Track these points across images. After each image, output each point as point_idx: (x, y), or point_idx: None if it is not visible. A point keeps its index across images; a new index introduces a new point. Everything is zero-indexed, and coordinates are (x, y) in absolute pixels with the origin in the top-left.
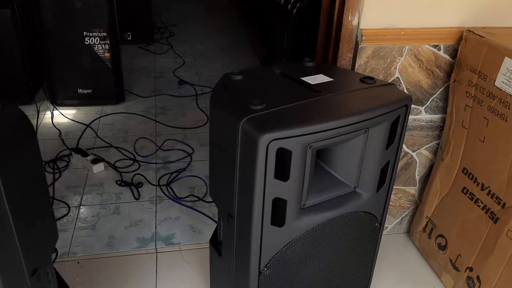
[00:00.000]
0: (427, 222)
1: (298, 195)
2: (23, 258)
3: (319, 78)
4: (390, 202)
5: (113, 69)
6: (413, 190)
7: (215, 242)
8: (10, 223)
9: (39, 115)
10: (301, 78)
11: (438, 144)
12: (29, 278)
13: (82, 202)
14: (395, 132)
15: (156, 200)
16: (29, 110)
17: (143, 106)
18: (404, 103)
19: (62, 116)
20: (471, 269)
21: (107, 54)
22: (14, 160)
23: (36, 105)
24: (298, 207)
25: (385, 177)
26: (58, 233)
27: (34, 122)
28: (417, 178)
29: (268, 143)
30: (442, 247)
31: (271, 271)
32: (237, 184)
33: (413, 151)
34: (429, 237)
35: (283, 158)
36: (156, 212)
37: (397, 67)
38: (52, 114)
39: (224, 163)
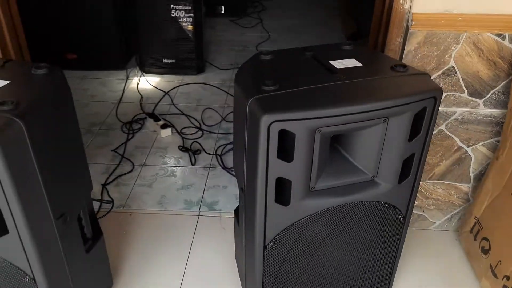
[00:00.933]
0: (475, 223)
1: (305, 177)
2: (49, 204)
3: (349, 63)
4: (439, 198)
5: (195, 41)
6: (466, 187)
7: (237, 212)
8: (36, 172)
9: (127, 80)
10: (329, 62)
11: (498, 141)
12: (55, 221)
13: (146, 162)
14: (421, 125)
15: (209, 167)
16: (119, 75)
17: (219, 78)
18: (432, 95)
19: (147, 82)
20: (508, 278)
21: (190, 27)
22: (48, 116)
23: (126, 71)
24: (307, 189)
25: (409, 170)
26: (115, 188)
27: (122, 85)
28: (472, 175)
29: (269, 124)
30: (485, 251)
31: (276, 247)
32: (245, 160)
33: (468, 146)
34: (475, 239)
35: (287, 139)
36: (207, 179)
37: (452, 55)
38: (138, 80)
39: (239, 139)
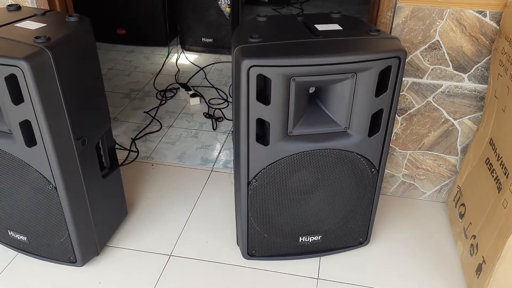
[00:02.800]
0: (457, 191)
1: (282, 121)
2: (69, 124)
3: (331, 27)
4: (428, 168)
5: (231, 23)
6: (454, 160)
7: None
8: (60, 95)
9: (168, 56)
10: (315, 25)
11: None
12: (74, 141)
13: (173, 124)
14: (387, 82)
15: (228, 133)
16: (162, 51)
17: None
18: (396, 55)
19: (186, 59)
20: (474, 237)
21: (228, 9)
22: (73, 52)
23: (169, 48)
24: (285, 133)
25: (379, 125)
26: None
27: (162, 60)
28: (459, 148)
29: (248, 68)
30: (461, 216)
31: (258, 184)
32: (233, 104)
33: (455, 119)
34: (455, 206)
35: (266, 86)
36: (224, 142)
37: (437, 30)
38: (178, 56)
39: (232, 88)
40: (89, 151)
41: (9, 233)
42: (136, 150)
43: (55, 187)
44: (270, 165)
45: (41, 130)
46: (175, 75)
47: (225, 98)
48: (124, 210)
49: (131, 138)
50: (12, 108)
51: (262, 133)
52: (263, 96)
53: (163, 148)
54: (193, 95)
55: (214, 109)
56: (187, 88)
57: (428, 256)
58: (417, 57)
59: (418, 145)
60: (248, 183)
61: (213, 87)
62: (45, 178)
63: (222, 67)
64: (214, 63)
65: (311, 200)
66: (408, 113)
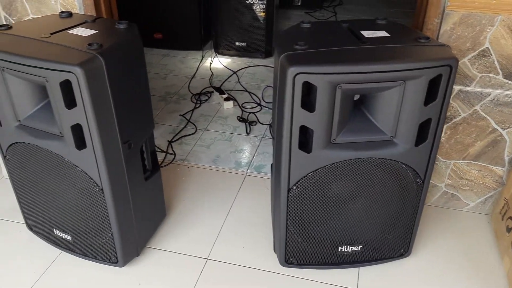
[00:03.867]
0: (504, 204)
1: (326, 128)
2: (118, 129)
3: (378, 33)
4: (473, 179)
5: (265, 27)
6: (500, 171)
7: (272, 164)
8: (110, 100)
9: (202, 60)
10: (360, 32)
11: None
12: (121, 145)
13: (207, 128)
14: (437, 91)
15: (262, 137)
16: (196, 55)
17: None
18: (447, 63)
19: (219, 62)
20: None
21: (262, 14)
22: (123, 59)
23: (203, 52)
24: (328, 140)
25: (426, 134)
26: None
27: (197, 64)
28: (506, 159)
29: (294, 75)
30: (509, 229)
31: (299, 191)
32: (276, 110)
33: (503, 129)
34: (502, 219)
35: (312, 93)
36: (258, 146)
37: (487, 37)
38: (212, 60)
39: (275, 94)
40: (134, 154)
41: (55, 232)
42: (173, 152)
43: (102, 189)
44: (311, 172)
45: (91, 133)
46: (209, 78)
47: (258, 102)
48: (163, 212)
49: (168, 141)
50: (64, 112)
51: (305, 140)
52: (308, 103)
53: (198, 151)
54: (227, 99)
55: (247, 113)
56: (221, 91)
57: (472, 270)
58: (465, 65)
59: (462, 155)
60: (288, 190)
61: (246, 90)
62: (92, 180)
63: (255, 71)
64: (247, 67)
65: (352, 209)
66: (453, 121)
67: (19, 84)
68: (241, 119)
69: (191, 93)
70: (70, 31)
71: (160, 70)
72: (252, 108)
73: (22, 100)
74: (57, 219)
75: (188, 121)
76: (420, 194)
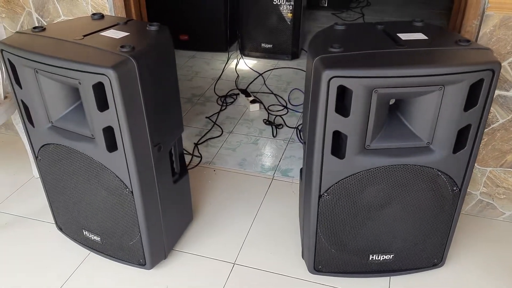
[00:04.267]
0: None
1: (360, 134)
2: (148, 132)
3: (415, 36)
4: (510, 187)
5: (292, 28)
6: None
7: (302, 170)
8: (141, 103)
9: (228, 61)
10: (397, 34)
11: None
12: (152, 148)
13: (233, 130)
14: (478, 96)
15: (288, 140)
16: (222, 57)
17: None
18: (490, 67)
19: (245, 64)
20: None
21: (289, 15)
22: (155, 61)
23: (228, 54)
24: (362, 146)
25: (465, 141)
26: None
27: (222, 65)
28: None
29: (329, 79)
30: None
31: (330, 197)
32: (309, 114)
33: None
34: None
35: (346, 97)
36: (284, 150)
37: None
38: (237, 62)
39: (306, 97)
40: (164, 157)
41: (84, 232)
42: (199, 155)
43: (131, 191)
44: (344, 179)
45: (123, 136)
46: (235, 80)
47: (285, 104)
48: (190, 215)
49: (194, 143)
50: (97, 114)
51: (338, 146)
52: (342, 107)
53: (224, 154)
54: (252, 101)
55: (274, 116)
56: (246, 94)
57: (508, 281)
58: (505, 69)
59: (499, 162)
60: (319, 197)
61: (272, 93)
62: (123, 182)
63: (280, 73)
64: (272, 69)
65: (384, 217)
66: (491, 127)
67: (52, 86)
68: (267, 122)
69: (217, 95)
70: (103, 33)
71: (186, 72)
72: (279, 111)
73: (55, 101)
74: (86, 220)
75: (214, 123)
76: (456, 202)
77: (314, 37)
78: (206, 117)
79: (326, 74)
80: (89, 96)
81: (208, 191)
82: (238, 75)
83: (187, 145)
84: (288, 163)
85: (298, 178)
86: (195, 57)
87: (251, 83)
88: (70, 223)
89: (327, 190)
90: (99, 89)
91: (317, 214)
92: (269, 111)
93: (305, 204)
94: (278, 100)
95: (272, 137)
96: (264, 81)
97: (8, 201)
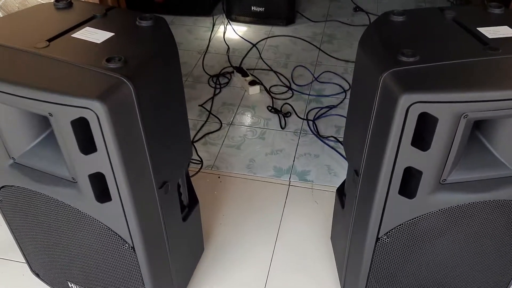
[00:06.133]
0: None
1: (438, 168)
2: (152, 172)
3: (502, 31)
4: None
5: None
6: None
7: (341, 192)
8: (142, 138)
9: (214, 29)
10: (477, 28)
11: None
12: (157, 191)
13: (233, 121)
14: None
15: (300, 133)
16: (205, 22)
17: (311, 31)
18: None
19: (233, 32)
20: None
21: None
22: (157, 76)
23: (213, 18)
24: (437, 181)
25: None
26: (207, 148)
27: (208, 34)
28: None
29: (410, 105)
30: None
31: (390, 240)
32: (368, 142)
33: None
34: None
35: (426, 124)
36: (297, 145)
37: None
38: (225, 28)
39: (360, 114)
40: (171, 196)
41: (69, 284)
42: (199, 159)
43: (133, 247)
44: (410, 220)
45: (118, 184)
46: (226, 53)
47: (288, 85)
48: (201, 247)
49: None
50: (79, 158)
51: (407, 182)
52: (418, 138)
53: (227, 154)
54: (251, 83)
55: (278, 101)
56: (243, 72)
57: None
58: None
59: None
60: (377, 239)
61: (272, 69)
62: (120, 237)
63: (277, 43)
64: (267, 38)
65: (457, 265)
66: None
67: (11, 112)
68: (273, 109)
69: (208, 74)
70: (76, 34)
71: None
72: (283, 93)
73: (17, 131)
74: (71, 271)
75: (210, 112)
76: None
77: (368, 33)
78: (199, 105)
79: (406, 99)
80: (68, 136)
81: (216, 206)
82: (228, 47)
83: None
84: (304, 163)
85: (319, 183)
86: (174, 24)
87: (245, 56)
88: (49, 271)
89: (387, 233)
90: (80, 126)
91: (372, 258)
92: (272, 94)
93: (354, 244)
94: (279, 79)
95: (281, 129)
96: (260, 54)
97: None
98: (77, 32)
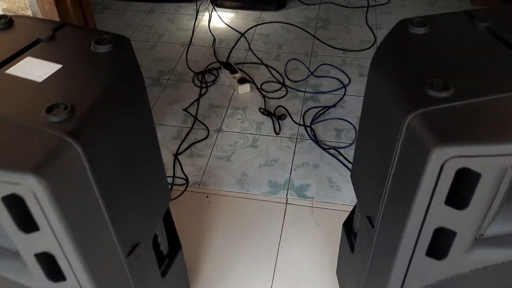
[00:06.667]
0: None
1: (476, 226)
2: (117, 240)
3: None
4: None
5: None
6: None
7: (348, 228)
8: (99, 205)
9: (197, 16)
10: None
11: None
12: (125, 259)
13: (222, 127)
14: None
15: (296, 139)
16: (188, 9)
17: (304, 16)
18: None
19: (219, 19)
20: None
21: None
22: (116, 123)
23: (196, 4)
24: (473, 237)
25: None
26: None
27: (191, 23)
28: None
29: (446, 160)
30: None
31: None
32: (387, 192)
33: None
34: None
35: (464, 180)
36: (294, 154)
37: None
38: (210, 16)
39: (375, 153)
40: (145, 257)
41: None
42: (184, 177)
43: None
44: (436, 282)
45: (72, 263)
46: (212, 46)
47: (282, 81)
48: None
49: (173, 154)
50: (21, 237)
51: (436, 243)
52: (453, 195)
53: (216, 167)
54: (241, 81)
55: (271, 101)
56: (231, 68)
57: None
58: None
59: None
60: None
61: (262, 63)
62: None
63: (267, 31)
64: (256, 25)
65: None
66: None
67: None
68: (265, 111)
69: (192, 71)
70: (11, 70)
71: (145, 36)
72: (275, 91)
73: None
74: None
75: (196, 118)
76: None
77: (383, 50)
78: (184, 110)
79: (440, 153)
80: (1, 214)
81: (204, 233)
82: (214, 38)
83: (164, 156)
84: (301, 176)
85: (319, 199)
86: (154, 12)
87: (232, 49)
88: None
89: None
90: (15, 202)
91: None
92: (263, 92)
93: None
94: (272, 74)
95: (275, 135)
96: (249, 45)
97: None
98: (14, 66)
